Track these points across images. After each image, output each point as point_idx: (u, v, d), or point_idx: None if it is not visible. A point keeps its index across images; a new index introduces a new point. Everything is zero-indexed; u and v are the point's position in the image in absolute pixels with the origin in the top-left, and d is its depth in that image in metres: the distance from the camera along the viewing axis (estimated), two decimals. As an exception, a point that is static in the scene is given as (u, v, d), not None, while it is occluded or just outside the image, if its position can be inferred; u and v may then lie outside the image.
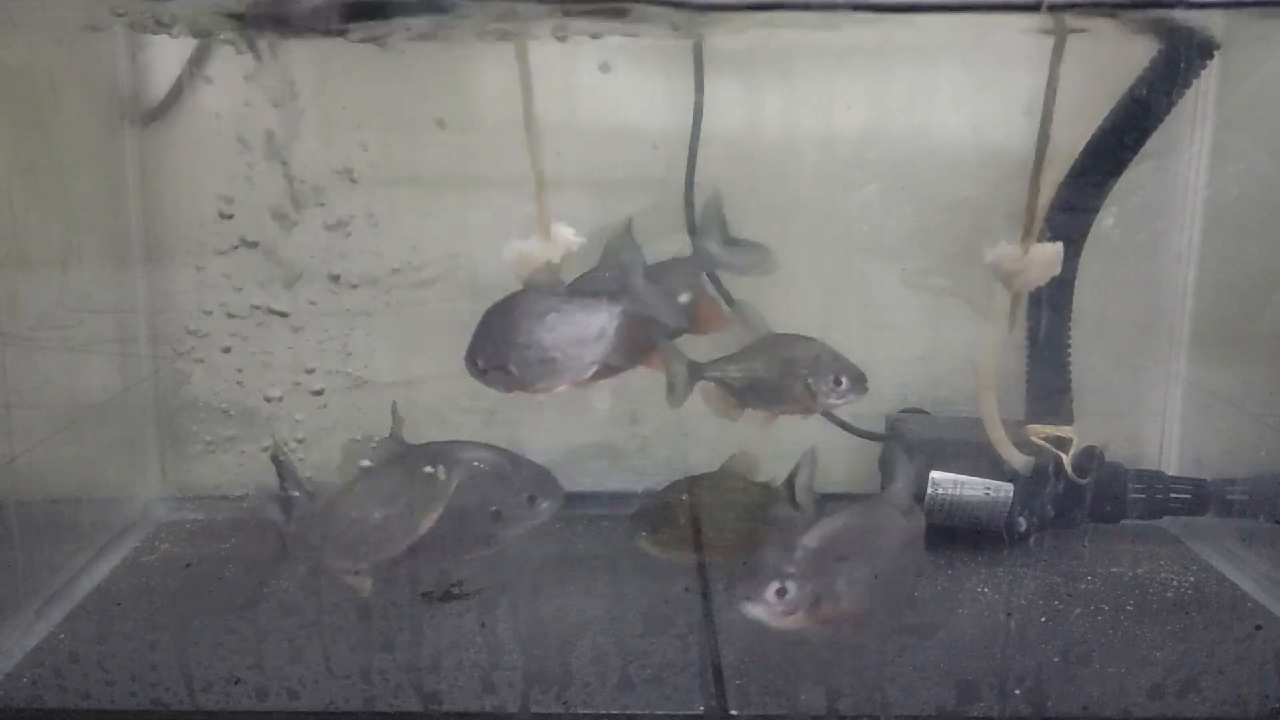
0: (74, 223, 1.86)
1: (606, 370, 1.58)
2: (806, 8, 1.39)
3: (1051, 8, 1.38)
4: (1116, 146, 1.76)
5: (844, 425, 1.99)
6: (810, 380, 1.63)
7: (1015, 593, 1.75)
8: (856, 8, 1.37)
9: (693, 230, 1.93)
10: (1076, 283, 1.85)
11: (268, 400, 1.82)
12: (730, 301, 1.89)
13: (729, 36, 1.87)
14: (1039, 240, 1.77)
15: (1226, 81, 1.90)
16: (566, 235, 1.67)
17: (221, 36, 1.72)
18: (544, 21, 1.57)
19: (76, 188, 1.86)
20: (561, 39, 1.64)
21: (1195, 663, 1.57)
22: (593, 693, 1.47)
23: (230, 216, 1.74)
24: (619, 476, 2.09)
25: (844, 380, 1.63)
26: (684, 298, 1.68)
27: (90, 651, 1.59)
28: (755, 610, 1.32)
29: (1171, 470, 2.01)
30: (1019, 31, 1.72)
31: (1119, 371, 2.02)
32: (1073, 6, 1.43)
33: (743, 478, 1.67)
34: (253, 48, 1.53)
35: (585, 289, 1.60)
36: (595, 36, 1.67)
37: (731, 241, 1.76)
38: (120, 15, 1.64)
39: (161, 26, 1.65)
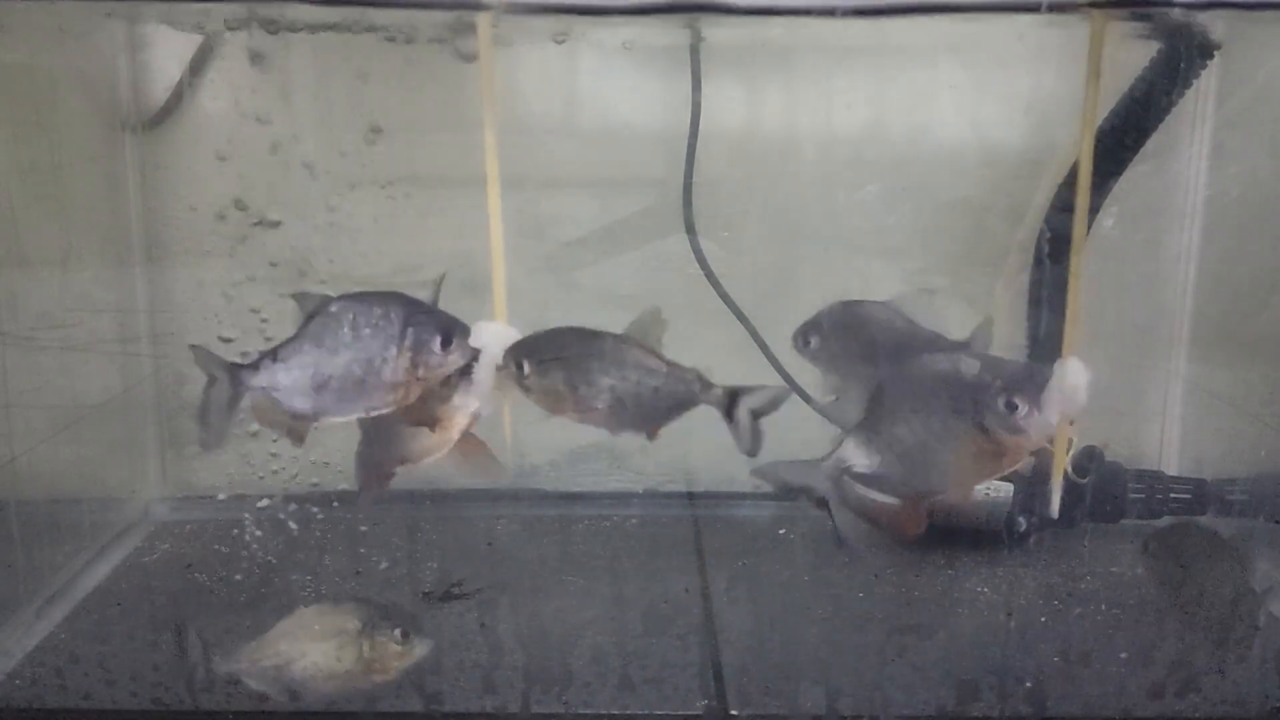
0: (74, 223, 1.86)
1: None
2: (807, 12, 1.39)
3: (1051, 8, 1.38)
4: (1116, 146, 1.76)
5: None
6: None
7: (1015, 593, 1.75)
8: (857, 11, 1.37)
9: (691, 230, 1.94)
10: (1076, 283, 1.85)
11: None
12: (726, 300, 1.89)
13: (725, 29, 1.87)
14: (1039, 238, 1.79)
15: (1226, 81, 1.90)
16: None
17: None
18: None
19: (76, 188, 1.86)
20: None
21: (1195, 662, 1.58)
22: (593, 693, 1.47)
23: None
24: (619, 476, 2.09)
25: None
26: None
27: (91, 651, 1.59)
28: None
29: (1171, 470, 2.01)
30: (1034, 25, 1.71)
31: (1119, 371, 2.02)
32: (1073, 8, 1.43)
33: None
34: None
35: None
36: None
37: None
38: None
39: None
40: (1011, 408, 1.31)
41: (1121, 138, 1.75)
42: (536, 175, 1.95)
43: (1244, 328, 1.94)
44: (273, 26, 1.65)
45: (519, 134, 1.85)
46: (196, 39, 1.87)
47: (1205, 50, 1.70)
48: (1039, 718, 1.46)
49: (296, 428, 1.37)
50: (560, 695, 1.46)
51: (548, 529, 1.99)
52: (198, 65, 1.89)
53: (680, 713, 1.44)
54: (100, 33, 1.90)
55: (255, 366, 1.34)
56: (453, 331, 1.34)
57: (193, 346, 1.35)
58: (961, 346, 1.53)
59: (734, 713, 1.44)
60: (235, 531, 1.93)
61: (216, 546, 1.89)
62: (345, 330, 1.33)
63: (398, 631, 1.39)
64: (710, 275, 1.93)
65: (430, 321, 1.34)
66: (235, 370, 1.33)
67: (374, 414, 1.36)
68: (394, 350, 1.33)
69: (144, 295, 2.00)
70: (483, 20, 1.49)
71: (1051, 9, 1.38)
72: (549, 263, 1.98)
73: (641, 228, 1.99)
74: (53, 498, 1.82)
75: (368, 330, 1.33)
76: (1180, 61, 1.70)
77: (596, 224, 1.99)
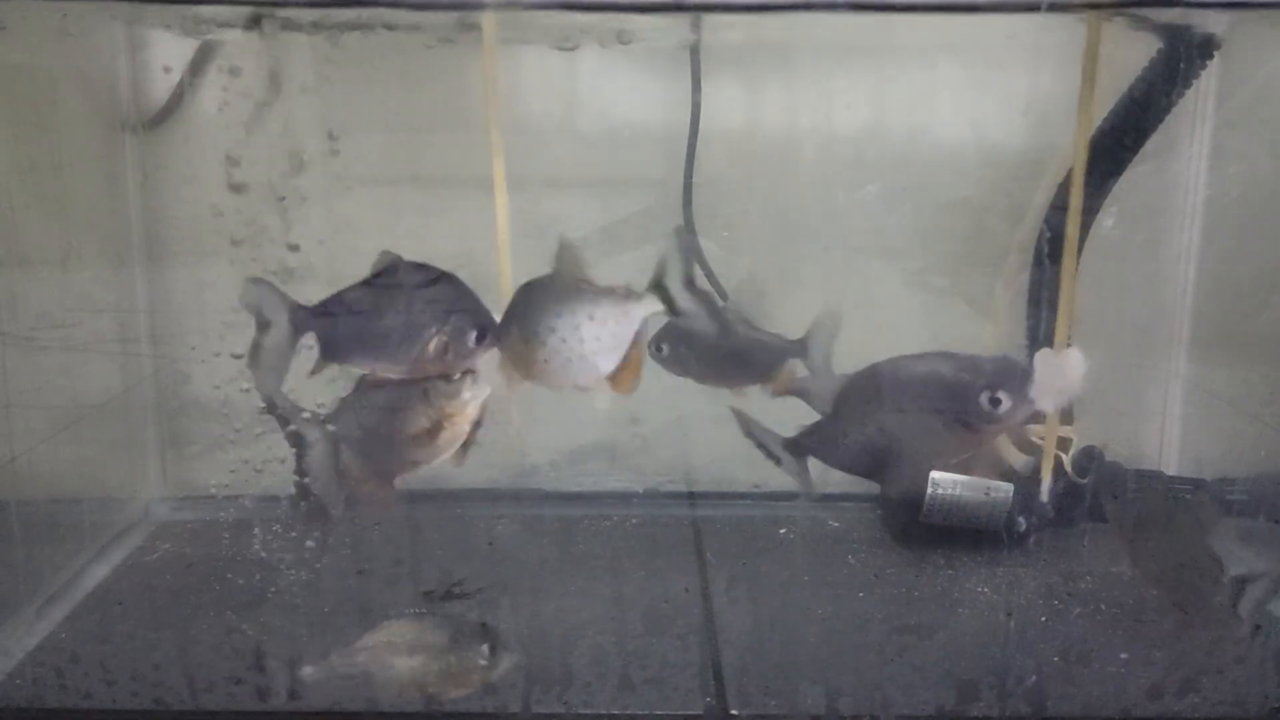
0: (74, 223, 1.86)
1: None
2: (808, 8, 1.39)
3: (1052, 7, 1.38)
4: (1116, 146, 1.76)
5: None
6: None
7: (1015, 593, 1.75)
8: (857, 7, 1.37)
9: (691, 229, 1.94)
10: (1077, 283, 1.85)
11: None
12: (724, 296, 1.89)
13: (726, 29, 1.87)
14: (1039, 238, 1.79)
15: (1226, 81, 1.90)
16: None
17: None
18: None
19: (76, 188, 1.86)
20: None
21: (1194, 663, 1.58)
22: (593, 693, 1.47)
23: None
24: (619, 476, 2.09)
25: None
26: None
27: (91, 651, 1.59)
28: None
29: (1171, 470, 2.01)
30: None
31: (1119, 371, 2.02)
32: (1075, 7, 1.44)
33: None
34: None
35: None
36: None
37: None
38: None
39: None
40: (995, 403, 1.35)
41: (1121, 138, 1.75)
42: (537, 175, 1.96)
43: (1244, 328, 1.94)
44: (280, 25, 1.65)
45: (520, 134, 1.85)
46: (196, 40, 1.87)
47: (1205, 50, 1.70)
48: (1039, 718, 1.46)
49: (317, 368, 1.41)
50: (560, 695, 1.46)
51: (548, 529, 1.99)
52: (198, 66, 1.89)
53: (680, 713, 1.44)
54: (100, 33, 1.90)
55: (320, 311, 1.37)
56: (487, 329, 1.40)
57: (253, 280, 1.36)
58: (799, 345, 1.61)
59: (734, 713, 1.44)
60: (235, 531, 1.94)
61: (217, 546, 1.89)
62: (403, 296, 1.37)
63: (485, 647, 1.41)
64: (710, 275, 1.93)
65: (472, 312, 1.39)
66: (298, 310, 1.37)
67: (380, 375, 1.41)
68: (434, 328, 1.37)
69: (144, 295, 2.00)
70: (486, 20, 1.49)
71: (1052, 9, 1.38)
72: (549, 262, 1.98)
73: (641, 228, 1.99)
74: (53, 498, 1.82)
75: (421, 302, 1.37)
76: (1180, 61, 1.71)
77: (597, 224, 1.99)
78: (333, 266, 1.94)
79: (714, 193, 1.94)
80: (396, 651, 1.41)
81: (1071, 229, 1.56)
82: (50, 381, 1.78)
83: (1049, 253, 1.75)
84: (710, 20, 1.69)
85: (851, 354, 1.66)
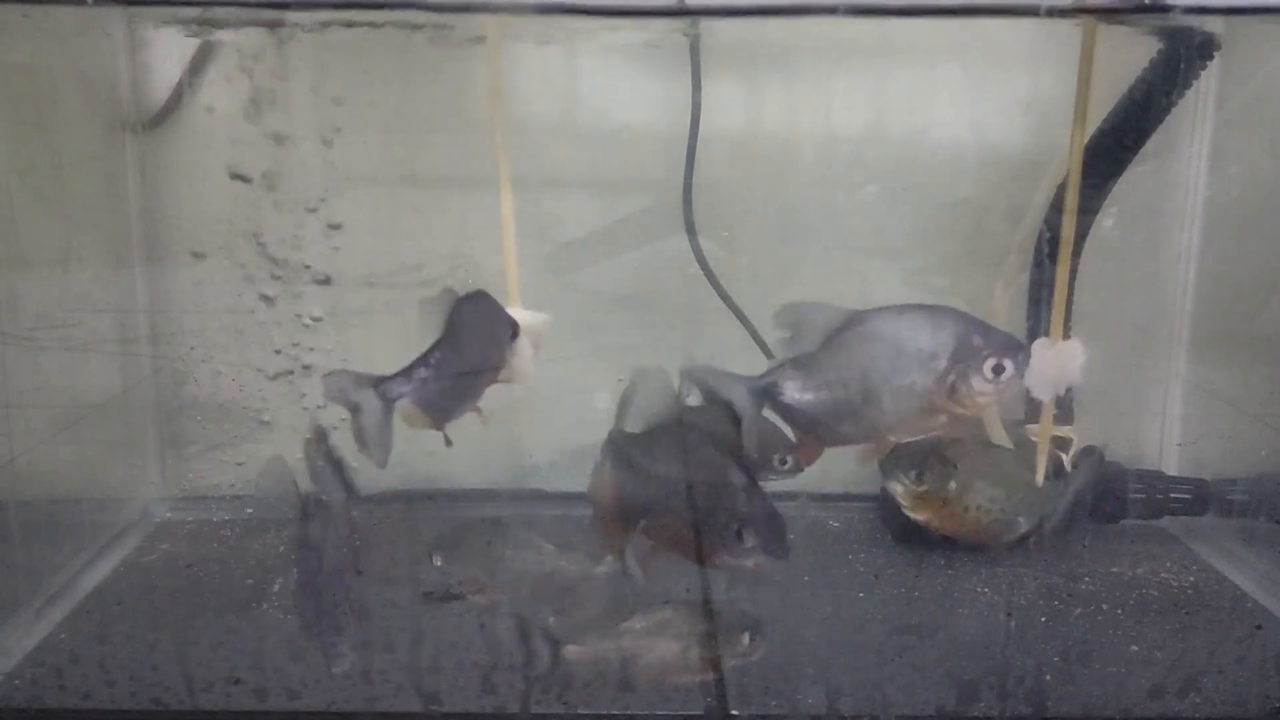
0: (74, 223, 1.86)
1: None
2: (807, 11, 1.39)
3: (1050, 12, 1.38)
4: (1116, 147, 1.76)
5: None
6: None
7: (1015, 593, 1.75)
8: (857, 10, 1.37)
9: (691, 230, 1.94)
10: (1076, 283, 1.85)
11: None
12: (727, 300, 1.90)
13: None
14: (1038, 238, 1.79)
15: (1226, 81, 1.90)
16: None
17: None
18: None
19: (76, 188, 1.86)
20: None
21: (1195, 663, 1.58)
22: (593, 693, 1.47)
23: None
24: (619, 476, 2.09)
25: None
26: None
27: (90, 651, 1.59)
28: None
29: (1171, 470, 2.01)
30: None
31: (1119, 371, 2.02)
32: (1074, 12, 1.44)
33: None
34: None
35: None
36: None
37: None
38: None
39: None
40: (998, 371, 1.32)
41: (1121, 138, 1.75)
42: (537, 176, 1.96)
43: (1244, 328, 1.94)
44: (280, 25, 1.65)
45: (519, 134, 1.85)
46: (196, 39, 1.87)
47: (1205, 51, 1.70)
48: (1039, 718, 1.46)
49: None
50: (560, 695, 1.46)
51: (548, 529, 1.99)
52: (197, 66, 1.89)
53: (680, 713, 1.44)
54: (100, 33, 1.90)
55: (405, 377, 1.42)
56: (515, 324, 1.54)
57: (329, 375, 1.39)
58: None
59: (734, 713, 1.44)
60: (235, 531, 1.94)
61: (216, 547, 1.89)
62: (466, 333, 1.46)
63: (746, 635, 1.45)
64: (710, 275, 1.93)
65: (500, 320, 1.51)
66: (382, 384, 1.40)
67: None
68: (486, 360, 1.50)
69: (144, 295, 2.00)
70: (490, 22, 1.49)
71: (1050, 13, 1.38)
72: (549, 263, 1.98)
73: (641, 228, 1.99)
74: (53, 498, 1.82)
75: (484, 330, 1.50)
76: (1180, 61, 1.71)
77: (597, 224, 1.99)
78: (332, 265, 1.95)
79: (714, 193, 1.94)
80: (662, 636, 1.45)
81: (1066, 233, 1.56)
82: (50, 381, 1.78)
83: (1049, 253, 1.75)
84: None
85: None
